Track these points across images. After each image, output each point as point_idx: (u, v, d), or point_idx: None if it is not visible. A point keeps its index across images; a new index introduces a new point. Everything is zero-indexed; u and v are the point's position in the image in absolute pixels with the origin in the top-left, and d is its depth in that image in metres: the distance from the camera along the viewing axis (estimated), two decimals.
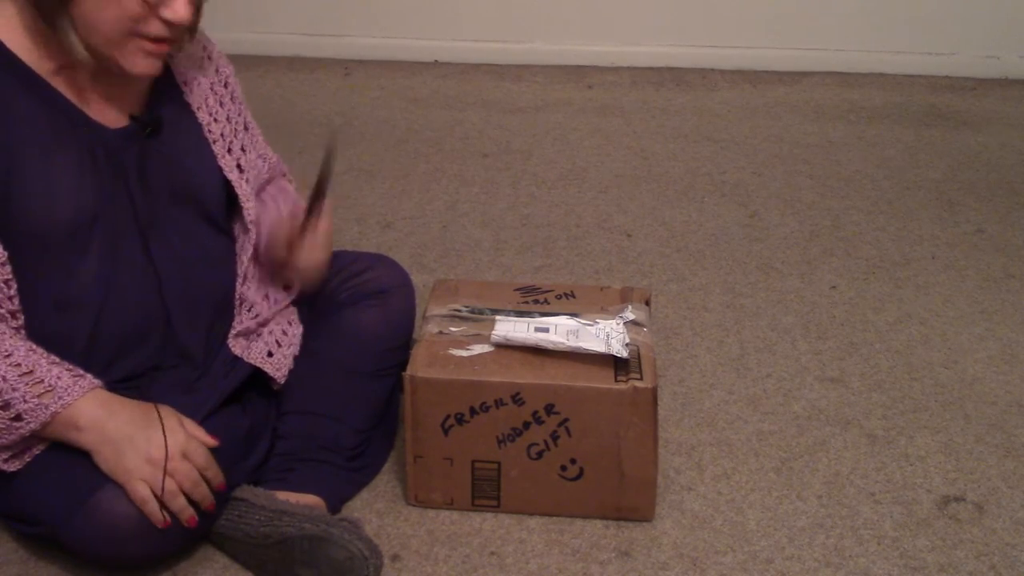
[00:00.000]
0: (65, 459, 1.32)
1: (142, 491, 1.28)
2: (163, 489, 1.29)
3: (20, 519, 1.38)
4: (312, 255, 1.51)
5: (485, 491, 1.52)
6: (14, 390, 1.27)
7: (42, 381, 1.29)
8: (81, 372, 1.33)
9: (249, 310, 1.52)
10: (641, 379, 1.44)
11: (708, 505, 1.56)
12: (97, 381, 1.32)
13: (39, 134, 1.31)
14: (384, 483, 1.59)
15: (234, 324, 1.51)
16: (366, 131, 2.88)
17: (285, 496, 1.43)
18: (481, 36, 3.38)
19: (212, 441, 1.35)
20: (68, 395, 1.29)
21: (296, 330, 1.56)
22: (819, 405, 1.79)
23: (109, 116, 1.37)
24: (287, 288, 1.59)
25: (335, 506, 1.50)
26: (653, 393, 1.44)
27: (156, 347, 1.42)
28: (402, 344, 1.56)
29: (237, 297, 1.52)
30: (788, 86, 3.22)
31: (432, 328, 1.55)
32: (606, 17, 3.34)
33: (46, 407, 1.28)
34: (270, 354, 1.52)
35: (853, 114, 3.03)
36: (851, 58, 3.31)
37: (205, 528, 1.41)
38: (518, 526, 1.51)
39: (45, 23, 1.27)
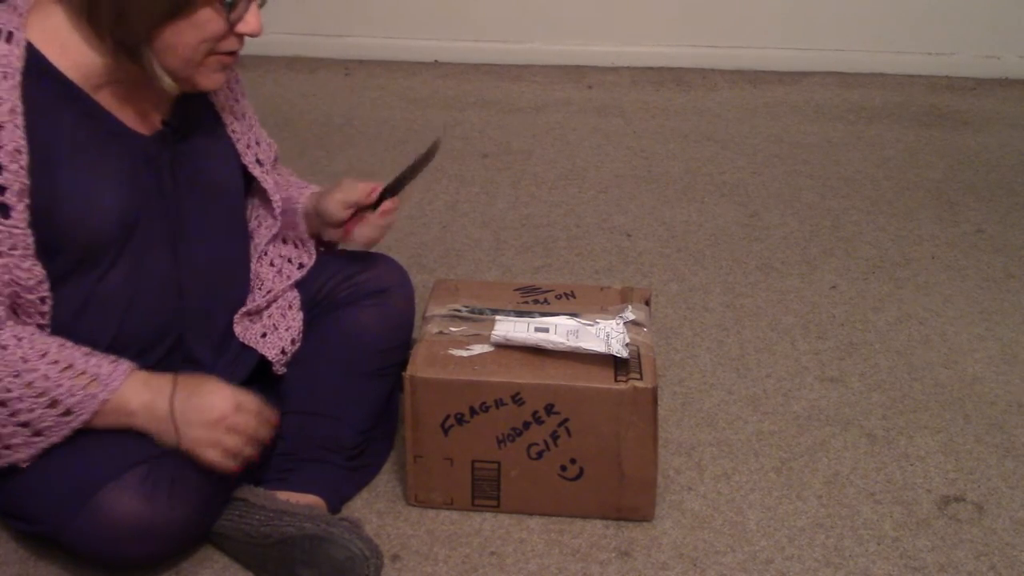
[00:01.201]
0: (66, 459, 1.32)
1: (212, 456, 1.33)
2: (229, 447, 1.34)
3: (20, 517, 1.38)
4: (371, 233, 1.54)
5: (485, 491, 1.52)
6: (59, 386, 1.29)
7: (84, 372, 1.30)
8: (113, 358, 1.33)
9: (260, 287, 1.53)
10: (641, 379, 1.44)
11: (708, 505, 1.56)
12: (131, 363, 1.34)
13: (82, 148, 1.31)
14: (384, 483, 1.59)
15: (245, 303, 1.52)
16: (366, 131, 2.88)
17: (285, 496, 1.44)
18: (481, 36, 3.38)
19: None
20: (113, 381, 1.30)
21: (296, 314, 1.55)
22: (819, 405, 1.79)
23: (143, 123, 1.37)
24: (322, 247, 1.61)
25: (335, 506, 1.50)
26: (653, 393, 1.44)
27: (167, 350, 1.42)
28: (402, 344, 1.56)
29: (251, 279, 1.54)
30: (788, 86, 3.22)
31: (432, 328, 1.55)
32: (606, 17, 3.33)
33: (94, 396, 1.29)
34: (264, 335, 1.52)
35: (853, 114, 3.03)
36: (851, 58, 3.31)
37: (206, 528, 1.41)
38: (518, 526, 1.51)
39: (128, 58, 1.28)
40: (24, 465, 1.32)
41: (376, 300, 1.57)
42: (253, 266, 1.54)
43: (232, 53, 1.33)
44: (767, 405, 1.78)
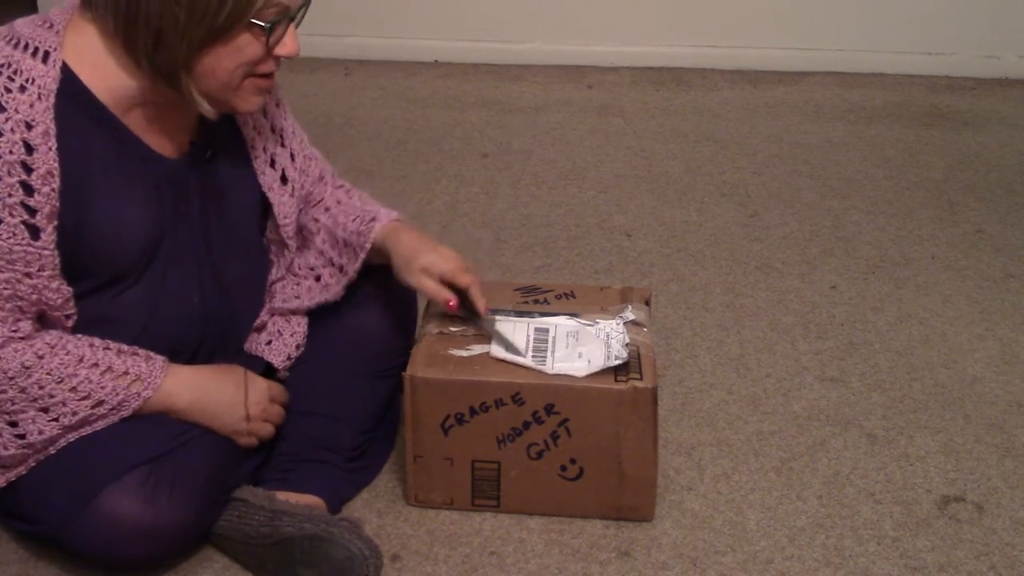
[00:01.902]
0: (68, 460, 1.32)
1: (248, 441, 1.45)
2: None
3: (21, 517, 1.39)
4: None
5: (485, 491, 1.52)
6: (103, 388, 1.32)
7: (126, 372, 1.33)
8: (144, 353, 1.36)
9: (270, 301, 1.54)
10: (641, 379, 1.44)
11: (708, 505, 1.56)
12: (161, 356, 1.37)
13: (111, 172, 1.31)
14: (384, 483, 1.59)
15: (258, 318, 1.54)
16: (366, 131, 2.88)
17: (285, 496, 1.44)
18: (481, 36, 3.38)
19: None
20: (153, 378, 1.35)
21: (301, 320, 1.56)
22: (819, 405, 1.79)
23: (169, 146, 1.37)
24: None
25: (335, 506, 1.50)
26: (653, 393, 1.44)
27: (181, 361, 1.42)
28: (403, 345, 1.56)
29: (265, 296, 1.54)
30: (788, 86, 3.22)
31: (432, 328, 1.55)
32: (606, 17, 3.33)
33: (138, 395, 1.34)
34: (270, 342, 1.52)
35: (853, 114, 3.03)
36: (851, 58, 3.31)
37: (206, 529, 1.41)
38: (518, 526, 1.51)
39: (166, 84, 1.27)
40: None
41: (377, 301, 1.57)
42: (271, 285, 1.54)
43: (269, 75, 1.33)
44: (767, 405, 1.78)
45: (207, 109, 1.30)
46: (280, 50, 1.30)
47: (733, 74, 3.31)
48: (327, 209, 1.57)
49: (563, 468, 1.49)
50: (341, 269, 1.54)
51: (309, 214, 1.58)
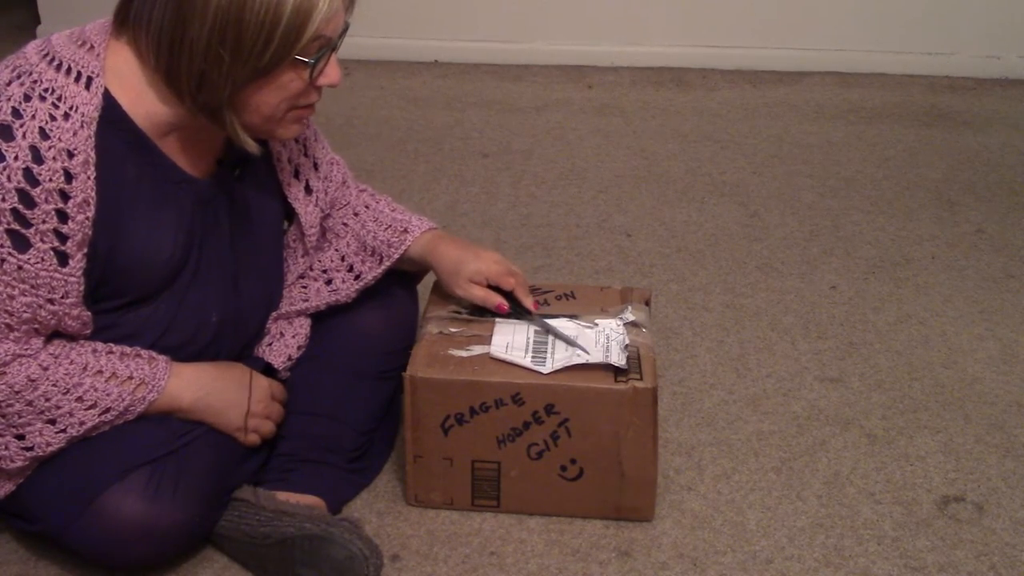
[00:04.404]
0: (70, 460, 1.32)
1: (251, 439, 1.45)
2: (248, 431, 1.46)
3: (22, 517, 1.39)
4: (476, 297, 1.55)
5: (485, 491, 1.52)
6: (108, 395, 1.31)
7: (131, 377, 1.33)
8: (148, 354, 1.36)
9: (279, 306, 1.54)
10: (641, 379, 1.44)
11: (708, 505, 1.56)
12: (164, 356, 1.37)
13: (145, 195, 1.30)
14: (384, 483, 1.59)
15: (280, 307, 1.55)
16: (366, 131, 2.88)
17: (285, 496, 1.44)
18: (481, 36, 3.38)
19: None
20: (158, 381, 1.35)
21: (304, 321, 1.56)
22: (819, 405, 1.79)
23: (200, 167, 1.37)
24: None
25: (335, 506, 1.50)
26: (653, 393, 1.44)
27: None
28: (404, 346, 1.56)
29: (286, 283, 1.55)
30: (788, 86, 3.22)
31: (432, 328, 1.55)
32: (606, 17, 3.33)
33: (143, 399, 1.34)
34: (271, 344, 1.52)
35: (853, 114, 3.03)
36: (851, 58, 3.31)
37: (209, 529, 1.41)
38: (518, 526, 1.51)
39: (210, 120, 1.27)
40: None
41: (379, 303, 1.57)
42: (293, 277, 1.56)
43: (311, 105, 1.32)
44: (767, 405, 1.79)
45: (251, 145, 1.30)
46: (323, 81, 1.28)
47: (733, 74, 3.31)
48: (356, 214, 1.58)
49: (563, 468, 1.49)
50: (357, 276, 1.54)
51: (335, 217, 1.58)
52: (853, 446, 1.69)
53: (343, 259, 1.56)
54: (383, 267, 1.54)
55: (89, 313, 1.29)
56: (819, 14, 3.28)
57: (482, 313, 1.58)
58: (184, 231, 1.35)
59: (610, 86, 3.23)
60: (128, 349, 1.35)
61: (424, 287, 1.70)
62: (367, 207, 1.59)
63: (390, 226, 1.56)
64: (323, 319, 1.56)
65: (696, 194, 2.55)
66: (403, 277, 1.62)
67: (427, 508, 1.54)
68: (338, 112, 3.00)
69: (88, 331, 1.32)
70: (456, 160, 2.71)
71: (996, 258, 2.26)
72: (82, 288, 1.26)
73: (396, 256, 1.53)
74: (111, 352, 1.33)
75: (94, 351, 1.32)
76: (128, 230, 1.29)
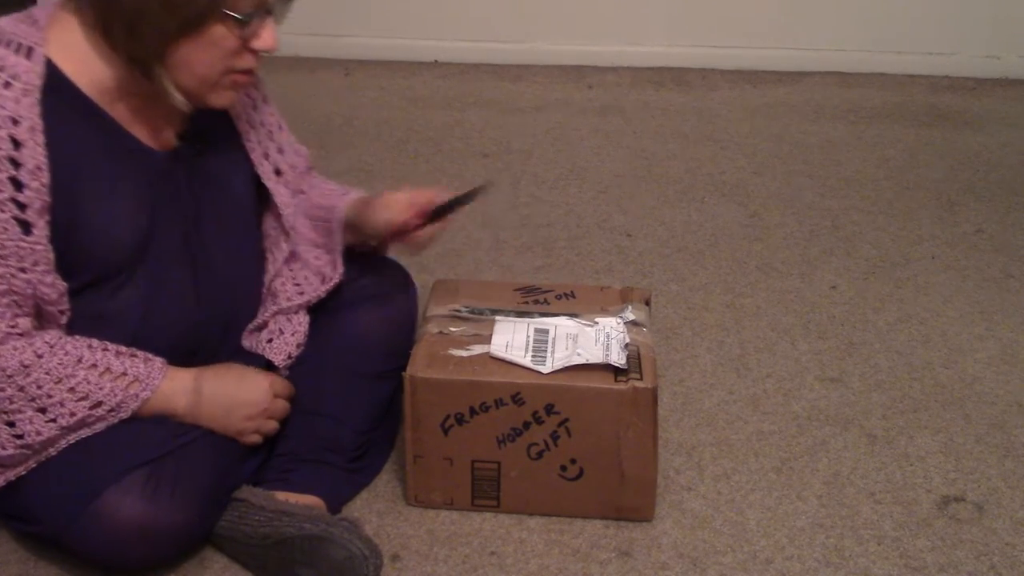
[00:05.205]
0: (69, 461, 1.32)
1: (255, 439, 1.46)
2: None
3: (21, 518, 1.39)
4: (414, 249, 1.58)
5: (485, 491, 1.52)
6: (100, 389, 1.32)
7: (125, 374, 1.33)
8: (143, 355, 1.36)
9: (274, 302, 1.54)
10: (641, 379, 1.44)
11: (708, 505, 1.56)
12: (160, 359, 1.37)
13: (100, 165, 1.31)
14: (384, 483, 1.59)
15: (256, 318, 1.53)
16: (366, 131, 2.88)
17: (285, 496, 1.44)
18: (481, 36, 3.38)
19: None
20: (151, 380, 1.35)
21: (302, 318, 1.56)
22: (819, 405, 1.79)
23: (158, 139, 1.37)
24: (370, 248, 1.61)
25: (335, 506, 1.50)
26: (653, 393, 1.44)
27: (181, 361, 1.42)
28: (404, 346, 1.56)
29: (263, 294, 1.54)
30: (788, 86, 3.22)
31: (432, 328, 1.55)
32: (606, 17, 3.33)
33: (136, 396, 1.34)
34: (270, 340, 1.52)
35: (853, 114, 3.03)
36: (851, 58, 3.31)
37: (208, 529, 1.41)
38: (518, 526, 1.51)
39: (141, 74, 1.27)
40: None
41: (379, 302, 1.57)
42: (270, 282, 1.54)
43: (248, 71, 1.32)
44: (767, 405, 1.78)
45: (180, 101, 1.30)
46: (257, 44, 1.29)
47: (733, 74, 3.31)
48: (301, 192, 1.59)
49: (563, 468, 1.49)
50: (328, 250, 1.56)
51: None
52: (853, 446, 1.69)
53: (310, 241, 1.57)
54: (336, 232, 1.53)
55: (64, 283, 1.30)
56: (819, 14, 3.28)
57: (482, 313, 1.58)
58: (144, 202, 1.35)
59: (610, 86, 3.23)
60: (124, 348, 1.35)
61: (424, 287, 1.70)
62: (312, 187, 1.61)
63: (329, 194, 1.58)
64: (322, 319, 1.56)
65: (696, 194, 2.55)
66: (401, 277, 1.62)
67: (427, 508, 1.54)
68: (338, 112, 3.00)
69: (65, 304, 1.31)
70: (456, 160, 2.71)
71: (996, 258, 2.26)
72: (51, 256, 1.27)
73: (340, 216, 1.53)
74: (107, 349, 1.34)
75: (90, 346, 1.33)
76: (87, 197, 1.29)
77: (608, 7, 3.32)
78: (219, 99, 1.33)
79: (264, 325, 1.54)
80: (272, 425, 1.48)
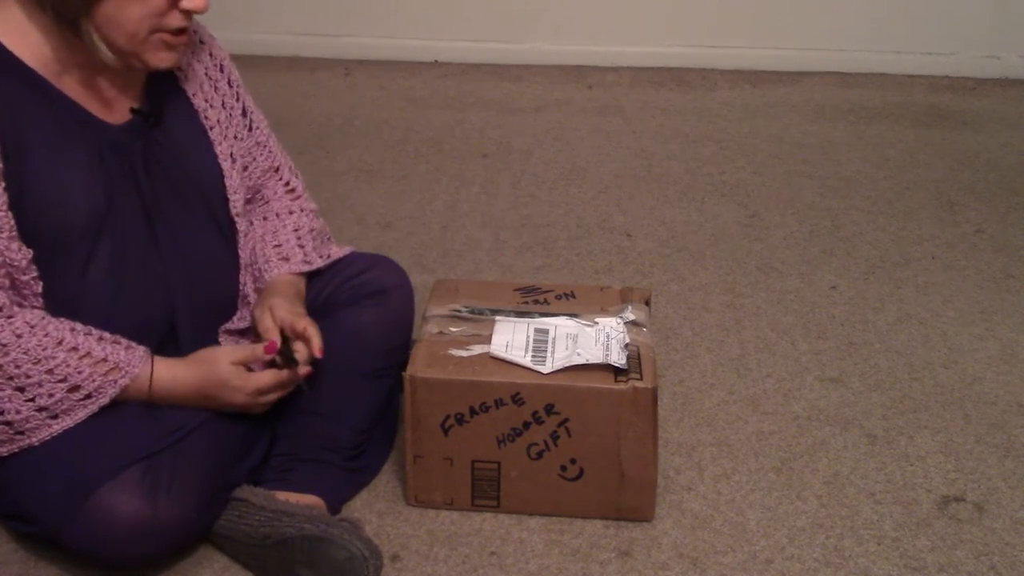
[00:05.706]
0: (64, 458, 1.32)
1: (256, 410, 1.43)
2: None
3: (19, 518, 1.38)
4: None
5: (485, 491, 1.52)
6: (79, 372, 1.32)
7: (105, 359, 1.33)
8: (126, 342, 1.36)
9: (248, 305, 1.53)
10: (641, 379, 1.44)
11: (708, 505, 1.56)
12: (143, 347, 1.37)
13: (48, 136, 1.31)
14: (384, 483, 1.59)
15: (232, 319, 1.52)
16: (366, 131, 2.88)
17: (285, 496, 1.43)
18: (481, 36, 3.38)
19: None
20: (131, 366, 1.34)
21: None
22: (819, 405, 1.79)
23: (111, 112, 1.38)
24: None
25: (335, 506, 1.50)
26: (653, 393, 1.44)
27: (156, 346, 1.42)
28: (401, 344, 1.56)
29: (240, 295, 1.52)
30: (788, 86, 3.22)
31: (432, 328, 1.55)
32: (606, 17, 3.33)
33: (115, 382, 1.34)
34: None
35: (853, 114, 3.03)
36: (851, 58, 3.31)
37: (205, 527, 1.41)
38: (518, 526, 1.51)
39: (67, 28, 1.28)
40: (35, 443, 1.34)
41: (376, 301, 1.56)
42: (244, 278, 1.53)
43: (180, 31, 1.33)
44: (767, 405, 1.79)
45: (108, 56, 1.31)
46: (186, 4, 1.31)
47: (733, 74, 3.30)
48: (265, 219, 1.58)
49: (563, 468, 1.49)
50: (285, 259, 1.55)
51: (254, 211, 1.59)
52: (853, 446, 1.69)
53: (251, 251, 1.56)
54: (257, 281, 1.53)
55: (30, 250, 1.30)
56: (819, 14, 3.28)
57: (482, 313, 1.58)
58: (98, 175, 1.35)
59: (610, 86, 3.23)
60: (107, 335, 1.35)
61: (424, 287, 1.70)
62: (279, 216, 1.58)
63: (277, 247, 1.55)
64: (321, 318, 1.56)
65: (696, 194, 2.55)
66: (396, 274, 1.62)
67: (427, 508, 1.54)
68: (338, 112, 3.00)
69: (35, 272, 1.31)
70: (456, 160, 2.71)
71: (996, 258, 2.26)
72: (13, 223, 1.28)
73: (265, 278, 1.51)
74: (89, 333, 1.34)
75: (72, 329, 1.33)
76: (34, 166, 1.30)
77: (608, 7, 3.32)
78: (157, 59, 1.34)
79: (241, 333, 1.52)
80: (272, 395, 1.43)
